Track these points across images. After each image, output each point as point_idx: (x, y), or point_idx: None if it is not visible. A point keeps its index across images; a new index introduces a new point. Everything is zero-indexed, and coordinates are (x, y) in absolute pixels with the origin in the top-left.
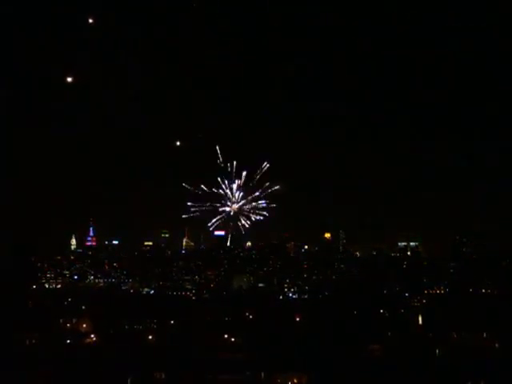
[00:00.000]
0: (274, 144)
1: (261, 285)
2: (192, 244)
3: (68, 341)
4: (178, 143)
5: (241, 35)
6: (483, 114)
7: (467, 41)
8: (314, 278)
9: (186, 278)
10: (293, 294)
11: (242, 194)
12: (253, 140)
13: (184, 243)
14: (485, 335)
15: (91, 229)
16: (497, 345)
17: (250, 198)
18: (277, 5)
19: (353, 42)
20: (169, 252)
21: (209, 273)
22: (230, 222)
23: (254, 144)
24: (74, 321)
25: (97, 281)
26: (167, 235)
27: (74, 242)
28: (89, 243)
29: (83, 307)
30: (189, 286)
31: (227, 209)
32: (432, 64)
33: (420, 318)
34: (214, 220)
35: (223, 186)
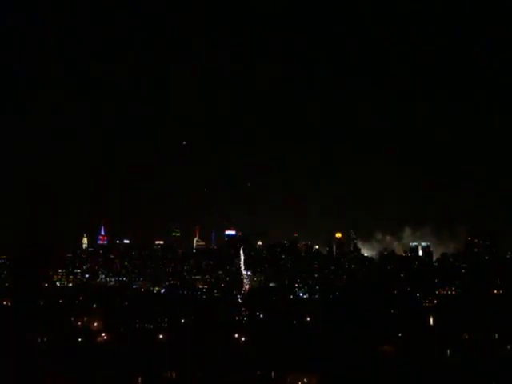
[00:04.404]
0: (284, 145)
1: (272, 284)
2: (203, 243)
3: (79, 339)
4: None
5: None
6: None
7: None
8: (324, 277)
9: (196, 277)
10: (303, 294)
11: None
12: (263, 140)
13: (195, 242)
14: (496, 336)
15: (102, 228)
16: (508, 346)
17: None
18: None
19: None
20: (180, 251)
21: (219, 272)
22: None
23: (263, 144)
24: (86, 319)
25: (108, 279)
26: (178, 234)
27: (85, 240)
28: (100, 242)
29: (94, 306)
30: (200, 285)
31: None
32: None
33: (431, 319)
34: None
35: None
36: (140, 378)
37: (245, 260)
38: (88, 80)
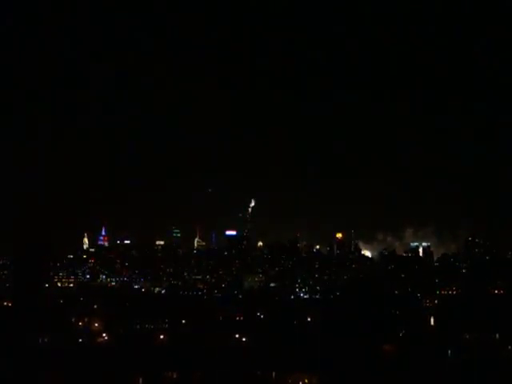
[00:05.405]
0: (284, 144)
1: (272, 285)
2: (204, 243)
3: (80, 340)
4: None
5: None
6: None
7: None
8: (325, 278)
9: (197, 277)
10: (304, 294)
11: None
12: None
13: (196, 243)
14: (497, 336)
15: (103, 228)
16: (509, 346)
17: None
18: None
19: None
20: (180, 251)
21: (220, 272)
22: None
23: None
24: (86, 320)
25: (109, 280)
26: (179, 235)
27: (86, 241)
28: (101, 242)
29: (95, 306)
30: (200, 286)
31: None
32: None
33: (432, 319)
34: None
35: None
36: (140, 379)
37: (245, 260)
38: (88, 80)
